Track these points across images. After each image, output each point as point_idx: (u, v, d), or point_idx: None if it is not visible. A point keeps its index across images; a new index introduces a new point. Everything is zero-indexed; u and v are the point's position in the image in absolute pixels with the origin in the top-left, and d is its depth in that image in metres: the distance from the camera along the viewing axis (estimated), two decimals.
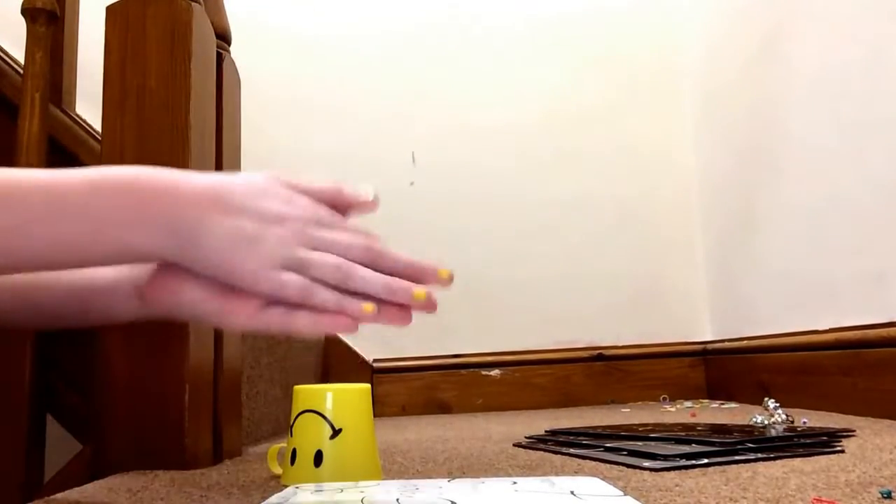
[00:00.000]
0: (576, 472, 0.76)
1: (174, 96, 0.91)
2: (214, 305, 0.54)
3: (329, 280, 0.52)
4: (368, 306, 0.52)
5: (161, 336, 0.86)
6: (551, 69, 2.05)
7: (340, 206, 0.58)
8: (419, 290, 0.53)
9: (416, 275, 0.55)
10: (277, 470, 0.79)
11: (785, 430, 0.98)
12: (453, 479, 0.61)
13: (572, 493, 0.52)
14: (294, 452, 0.72)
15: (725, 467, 0.74)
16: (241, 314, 0.53)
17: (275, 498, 0.54)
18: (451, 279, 0.56)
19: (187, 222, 0.51)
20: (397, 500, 0.52)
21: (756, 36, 1.66)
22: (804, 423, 1.12)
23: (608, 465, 0.80)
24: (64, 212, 0.50)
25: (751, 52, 1.68)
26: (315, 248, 0.53)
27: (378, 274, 0.54)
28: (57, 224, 0.51)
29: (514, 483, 0.57)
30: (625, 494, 0.51)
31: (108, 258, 0.54)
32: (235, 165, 1.13)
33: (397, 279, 0.54)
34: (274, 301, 0.53)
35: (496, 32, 2.06)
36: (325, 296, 0.52)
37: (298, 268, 0.52)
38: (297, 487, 0.58)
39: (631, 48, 2.06)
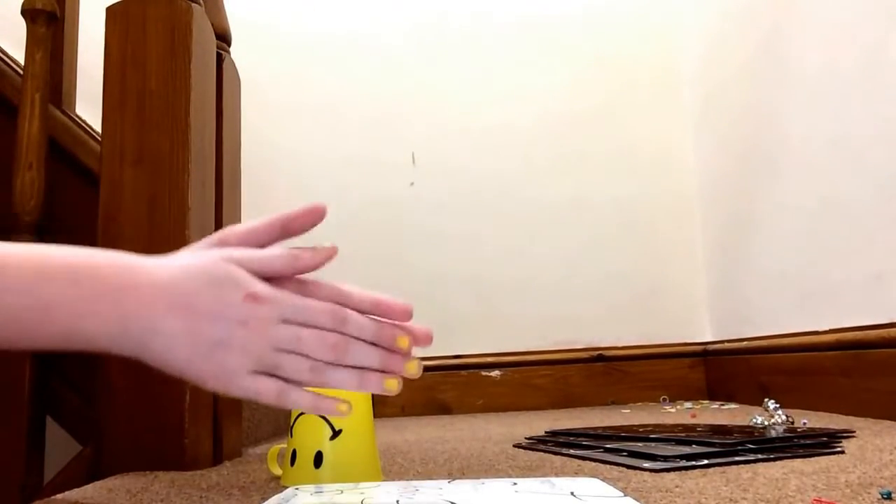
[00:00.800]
0: (576, 473, 0.76)
1: (174, 97, 0.91)
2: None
3: (304, 379, 0.51)
4: (342, 407, 0.53)
5: None
6: (551, 70, 2.05)
7: (302, 269, 0.54)
8: (390, 381, 0.53)
9: (386, 339, 0.53)
10: (277, 471, 0.79)
11: (785, 430, 0.98)
12: (453, 480, 0.61)
13: (572, 493, 0.52)
14: (294, 453, 0.72)
15: (725, 468, 0.74)
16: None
17: (274, 500, 0.54)
18: (409, 348, 0.54)
19: (139, 323, 0.49)
20: (397, 501, 0.52)
21: (754, 38, 1.66)
22: (804, 423, 1.12)
23: (608, 466, 0.80)
24: (7, 292, 0.47)
25: (749, 53, 1.68)
26: (283, 348, 0.50)
27: (349, 370, 0.52)
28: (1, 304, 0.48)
29: (515, 484, 0.57)
30: (625, 495, 0.51)
31: (56, 342, 0.50)
32: (234, 165, 1.13)
33: (365, 373, 0.52)
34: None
35: (496, 34, 2.06)
36: (300, 395, 0.52)
37: (271, 370, 0.50)
38: (296, 489, 0.58)
39: (630, 50, 2.06)
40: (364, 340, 0.52)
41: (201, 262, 0.51)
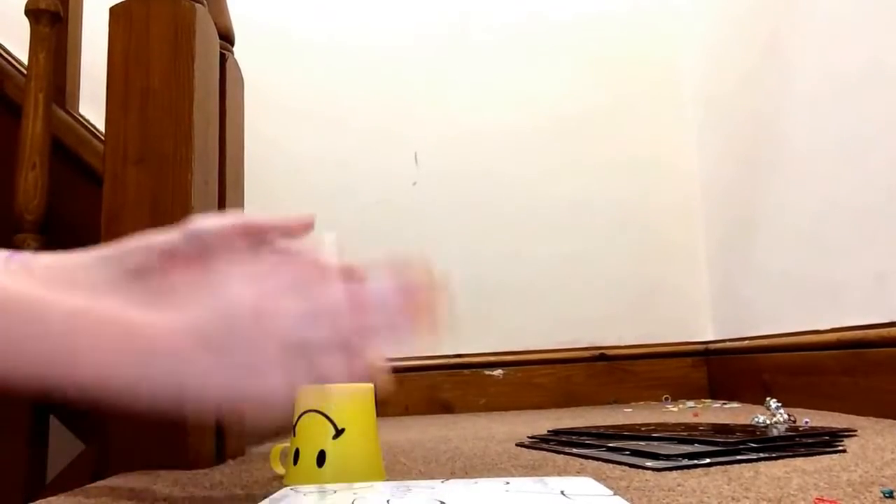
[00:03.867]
0: (578, 472, 0.76)
1: (177, 96, 0.92)
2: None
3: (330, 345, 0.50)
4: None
5: None
6: (554, 74, 2.05)
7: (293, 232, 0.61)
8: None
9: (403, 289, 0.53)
10: (280, 470, 0.79)
11: (787, 429, 0.98)
12: (446, 480, 0.61)
13: (563, 493, 0.52)
14: (297, 452, 0.72)
15: (728, 467, 0.74)
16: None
17: (266, 502, 0.54)
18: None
19: (170, 370, 0.48)
20: (388, 501, 0.52)
21: (757, 42, 1.66)
22: (806, 422, 1.12)
23: (611, 465, 0.80)
24: (37, 338, 0.47)
25: (752, 57, 1.68)
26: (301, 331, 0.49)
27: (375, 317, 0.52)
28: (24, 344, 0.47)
29: (507, 483, 0.57)
30: (615, 494, 0.51)
31: (83, 388, 0.49)
32: (238, 165, 1.13)
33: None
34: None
35: (498, 37, 2.06)
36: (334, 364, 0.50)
37: (298, 352, 0.49)
38: (291, 489, 0.58)
39: (633, 53, 2.06)
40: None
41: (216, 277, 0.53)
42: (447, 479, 0.61)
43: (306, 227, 0.62)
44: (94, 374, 0.48)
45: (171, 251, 0.66)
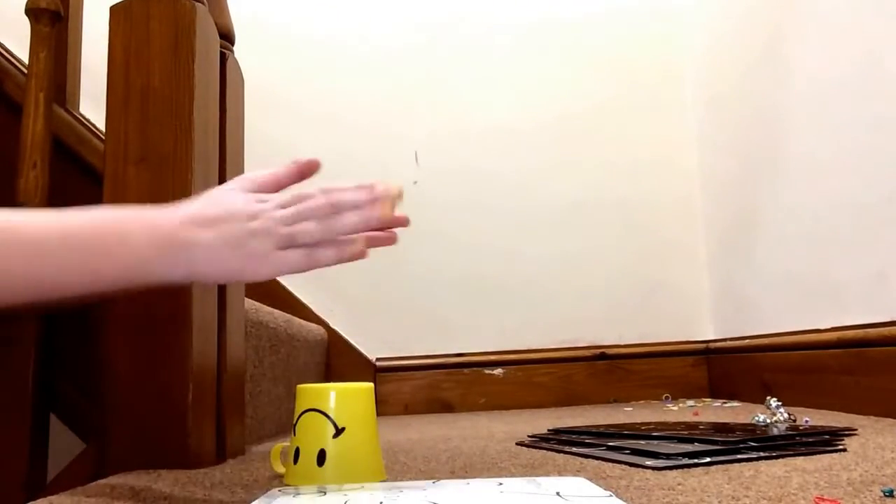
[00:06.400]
0: (578, 471, 0.76)
1: (178, 96, 0.92)
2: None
3: (317, 237, 0.62)
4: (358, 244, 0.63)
5: (164, 335, 0.86)
6: (555, 72, 2.05)
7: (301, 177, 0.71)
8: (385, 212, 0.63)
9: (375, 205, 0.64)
10: (280, 469, 0.79)
11: (787, 428, 0.98)
12: (437, 481, 0.61)
13: (558, 493, 0.52)
14: (297, 451, 0.72)
15: (728, 466, 0.75)
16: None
17: (258, 502, 0.54)
18: (400, 195, 0.65)
19: (181, 247, 0.59)
20: (381, 503, 0.52)
21: (758, 40, 1.66)
22: (806, 421, 1.12)
23: (611, 464, 0.80)
24: (56, 256, 0.57)
25: (753, 56, 1.68)
26: (290, 222, 0.61)
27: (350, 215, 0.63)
28: (66, 261, 0.57)
29: (500, 484, 0.57)
30: (611, 495, 0.51)
31: (119, 285, 0.60)
32: (238, 165, 1.13)
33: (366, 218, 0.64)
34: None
35: (500, 35, 2.06)
36: (323, 252, 0.62)
37: (291, 243, 0.61)
38: (279, 490, 0.58)
39: (634, 51, 2.06)
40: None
41: (215, 189, 0.66)
42: (438, 480, 0.61)
43: (313, 168, 0.71)
44: (122, 274, 0.59)
45: None
